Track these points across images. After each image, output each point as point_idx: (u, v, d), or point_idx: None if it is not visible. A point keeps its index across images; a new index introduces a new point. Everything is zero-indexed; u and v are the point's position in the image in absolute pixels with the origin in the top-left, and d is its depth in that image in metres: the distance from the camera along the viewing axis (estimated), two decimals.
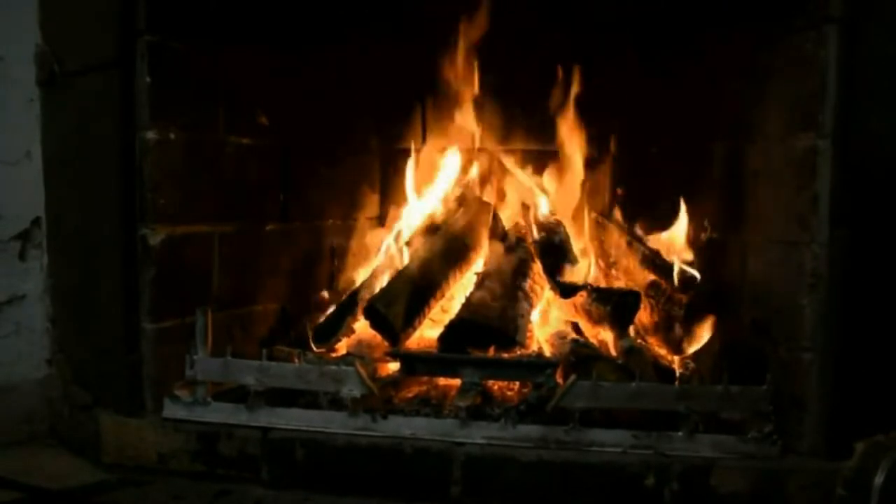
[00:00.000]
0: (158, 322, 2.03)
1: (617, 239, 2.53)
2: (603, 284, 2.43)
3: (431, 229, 2.61)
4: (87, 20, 2.06)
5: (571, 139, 2.60)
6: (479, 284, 2.34)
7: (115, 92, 1.97)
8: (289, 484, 1.91)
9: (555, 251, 2.38)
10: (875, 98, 1.75)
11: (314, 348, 2.28)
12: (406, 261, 2.50)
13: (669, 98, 2.35)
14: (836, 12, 1.75)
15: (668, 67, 2.37)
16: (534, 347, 2.23)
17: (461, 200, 2.66)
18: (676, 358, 2.23)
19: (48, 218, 2.29)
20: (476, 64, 2.60)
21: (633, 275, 2.45)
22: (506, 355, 2.13)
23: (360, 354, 2.15)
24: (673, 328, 2.25)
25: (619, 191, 2.60)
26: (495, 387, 2.10)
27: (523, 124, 2.68)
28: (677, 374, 2.09)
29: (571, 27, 2.44)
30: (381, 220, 2.79)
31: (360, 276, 2.59)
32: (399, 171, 2.74)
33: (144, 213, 2.00)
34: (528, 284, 2.34)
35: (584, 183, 2.62)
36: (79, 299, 2.21)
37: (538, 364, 2.02)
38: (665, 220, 2.42)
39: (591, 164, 2.65)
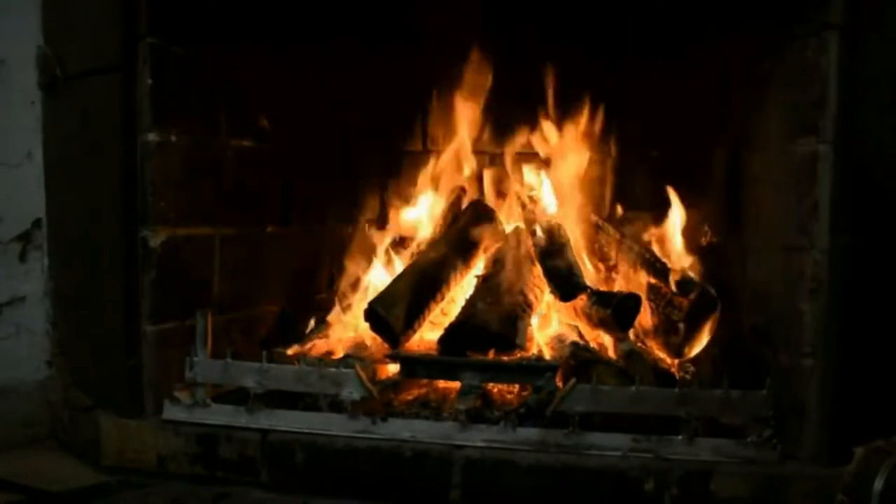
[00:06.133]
0: (159, 324, 2.03)
1: (617, 242, 2.53)
2: (603, 288, 2.43)
3: (431, 232, 2.62)
4: (89, 23, 2.06)
5: (572, 142, 2.60)
6: (480, 287, 2.34)
7: (116, 95, 1.97)
8: (288, 487, 1.92)
9: (555, 254, 2.38)
10: (876, 104, 1.75)
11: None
12: (406, 263, 2.51)
13: (670, 102, 2.35)
14: (837, 19, 1.74)
15: (669, 72, 2.37)
16: (533, 350, 2.23)
17: (461, 203, 2.66)
18: (676, 362, 2.23)
19: (49, 219, 2.29)
20: (477, 66, 2.60)
21: (632, 278, 2.45)
22: (506, 358, 2.13)
23: (359, 357, 2.14)
24: (673, 332, 2.25)
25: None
26: (495, 390, 2.11)
27: (524, 127, 2.68)
28: (677, 378, 2.09)
29: (574, 30, 2.44)
30: (381, 223, 2.78)
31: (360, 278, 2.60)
32: (400, 174, 2.74)
33: (145, 216, 2.00)
34: (527, 287, 2.34)
35: (584, 186, 2.61)
36: (79, 301, 2.20)
37: (538, 367, 2.02)
38: (665, 224, 2.43)
39: (591, 167, 2.65)
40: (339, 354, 2.23)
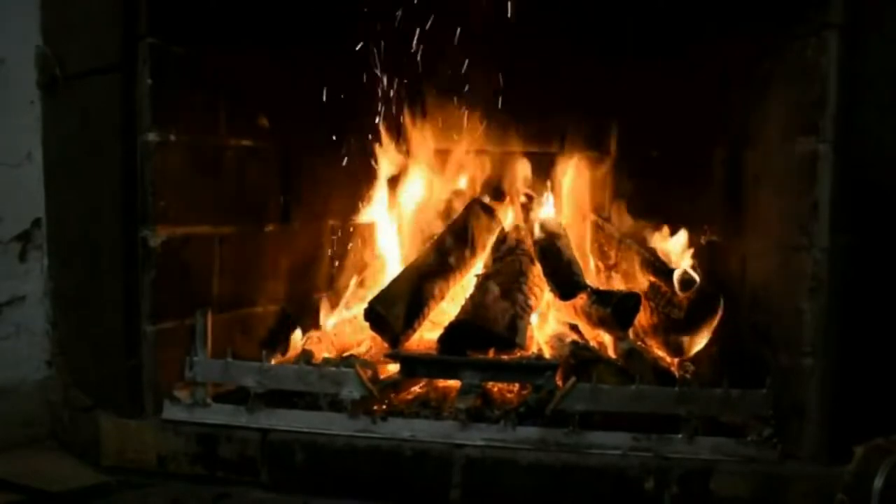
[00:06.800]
0: (159, 324, 2.03)
1: (617, 241, 2.53)
2: (603, 287, 2.43)
3: (431, 231, 2.62)
4: (89, 23, 2.06)
5: (572, 141, 2.60)
6: (479, 286, 2.34)
7: (116, 95, 1.98)
8: (288, 486, 1.92)
9: (554, 253, 2.38)
10: (876, 104, 1.76)
11: None
12: (405, 262, 2.51)
13: (671, 102, 2.35)
14: (837, 19, 1.74)
15: (669, 72, 2.37)
16: (533, 349, 2.24)
17: (461, 202, 2.66)
18: (676, 361, 2.23)
19: (49, 219, 2.29)
20: (476, 65, 2.60)
21: (632, 277, 2.45)
22: (505, 357, 2.14)
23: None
24: (672, 331, 2.25)
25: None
26: (495, 389, 2.11)
27: (524, 125, 2.68)
28: (677, 377, 2.09)
29: (574, 30, 2.44)
30: (381, 222, 2.78)
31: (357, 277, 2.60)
32: (400, 173, 2.74)
33: (145, 215, 2.00)
34: (527, 286, 2.34)
35: (584, 185, 2.62)
36: (79, 301, 2.20)
37: (538, 366, 2.02)
38: (665, 223, 2.43)
39: (591, 167, 2.65)
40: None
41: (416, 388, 2.14)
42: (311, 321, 2.48)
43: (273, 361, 2.14)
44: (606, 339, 2.33)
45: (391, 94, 2.69)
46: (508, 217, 2.65)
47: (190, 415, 1.99)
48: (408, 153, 2.76)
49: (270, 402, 1.98)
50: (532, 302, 2.34)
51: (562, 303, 2.36)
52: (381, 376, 2.12)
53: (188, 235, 2.10)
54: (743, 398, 1.85)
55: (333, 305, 2.53)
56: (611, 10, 2.36)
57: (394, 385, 2.10)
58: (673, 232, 2.41)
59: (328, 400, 1.97)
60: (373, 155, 2.73)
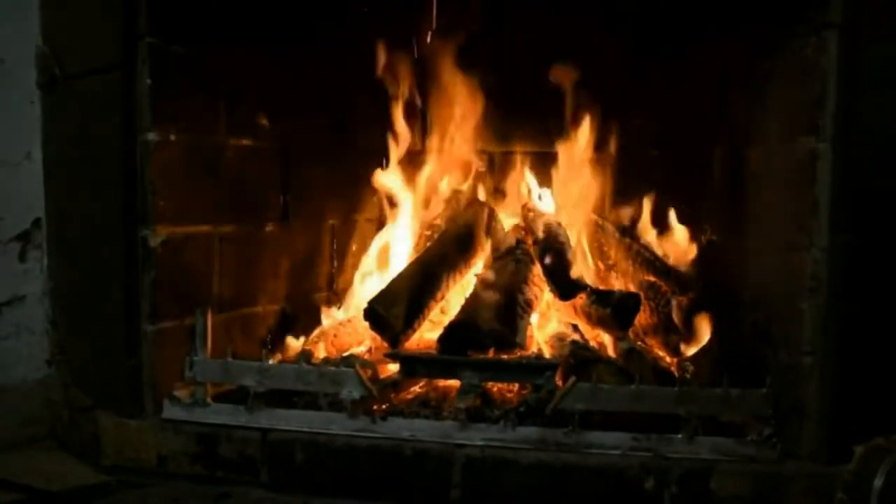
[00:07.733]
0: (159, 323, 2.03)
1: (616, 241, 2.53)
2: (602, 286, 2.43)
3: (431, 231, 2.62)
4: (89, 23, 2.06)
5: (571, 141, 2.60)
6: (479, 286, 2.34)
7: (116, 94, 1.97)
8: (288, 486, 1.91)
9: (554, 253, 2.38)
10: (876, 104, 1.75)
11: None
12: (405, 262, 2.51)
13: (670, 102, 2.36)
14: (837, 18, 1.74)
15: (668, 71, 2.38)
16: (533, 349, 2.23)
17: (461, 201, 2.66)
18: (675, 360, 2.23)
19: (48, 219, 2.29)
20: (476, 64, 2.60)
21: (632, 277, 2.45)
22: (505, 357, 2.13)
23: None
24: (672, 331, 2.25)
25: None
26: (495, 388, 2.10)
27: (523, 125, 2.68)
28: (677, 377, 2.09)
29: (573, 29, 2.44)
30: (380, 222, 2.78)
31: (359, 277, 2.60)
32: (400, 172, 2.74)
33: (145, 215, 2.00)
34: (527, 286, 2.34)
35: (583, 185, 2.62)
36: (79, 300, 2.21)
37: (538, 366, 2.02)
38: (665, 223, 2.43)
39: (591, 166, 2.65)
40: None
41: (416, 388, 2.14)
42: (310, 321, 2.48)
43: (272, 360, 2.14)
44: (606, 339, 2.33)
45: (391, 93, 2.69)
46: (508, 217, 2.65)
47: (190, 414, 1.99)
48: (408, 152, 2.76)
49: (270, 401, 1.98)
50: (532, 302, 2.34)
51: (562, 303, 2.36)
52: (381, 376, 2.12)
53: (188, 235, 2.10)
54: (743, 398, 1.85)
55: (333, 305, 2.53)
56: (611, 10, 2.36)
57: (394, 385, 2.10)
58: (673, 231, 2.41)
59: (328, 400, 1.97)
60: (373, 154, 2.73)
